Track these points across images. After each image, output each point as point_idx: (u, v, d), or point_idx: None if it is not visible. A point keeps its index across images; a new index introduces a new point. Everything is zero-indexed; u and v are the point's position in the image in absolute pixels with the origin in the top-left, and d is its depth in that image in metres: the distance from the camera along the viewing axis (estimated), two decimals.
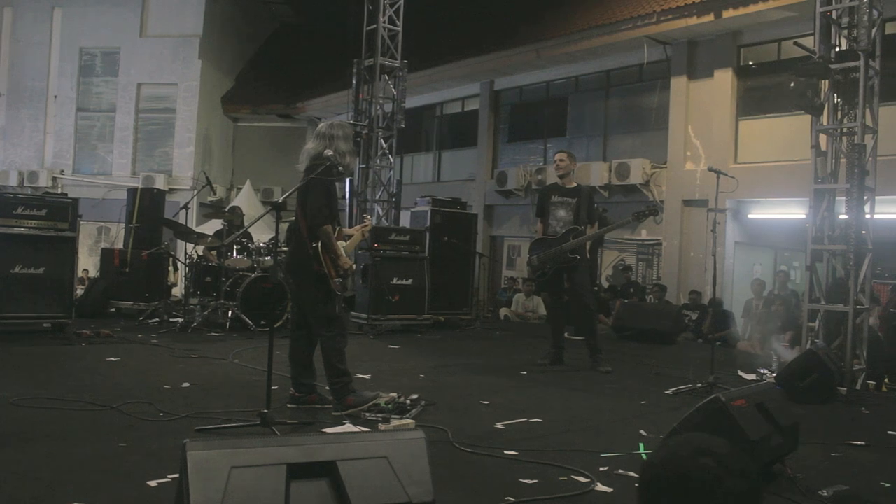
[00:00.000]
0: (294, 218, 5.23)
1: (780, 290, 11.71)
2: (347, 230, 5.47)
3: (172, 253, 11.22)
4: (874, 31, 7.11)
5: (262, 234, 10.96)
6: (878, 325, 8.06)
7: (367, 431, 4.16)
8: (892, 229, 10.90)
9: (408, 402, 5.12)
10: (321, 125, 5.22)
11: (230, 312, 9.34)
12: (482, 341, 9.99)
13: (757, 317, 10.92)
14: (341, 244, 5.09)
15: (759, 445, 3.64)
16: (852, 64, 7.17)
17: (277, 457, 2.39)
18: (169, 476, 3.35)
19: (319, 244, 4.89)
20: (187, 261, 9.96)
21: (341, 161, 4.96)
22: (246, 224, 10.28)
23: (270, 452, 2.41)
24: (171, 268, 11.43)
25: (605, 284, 14.72)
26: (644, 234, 14.66)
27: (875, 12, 7.14)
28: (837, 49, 7.41)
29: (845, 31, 7.37)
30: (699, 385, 6.31)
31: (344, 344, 5.05)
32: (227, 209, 10.69)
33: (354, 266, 5.78)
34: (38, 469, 3.50)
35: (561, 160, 7.66)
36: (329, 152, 4.89)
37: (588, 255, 7.63)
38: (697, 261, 13.38)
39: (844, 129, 7.42)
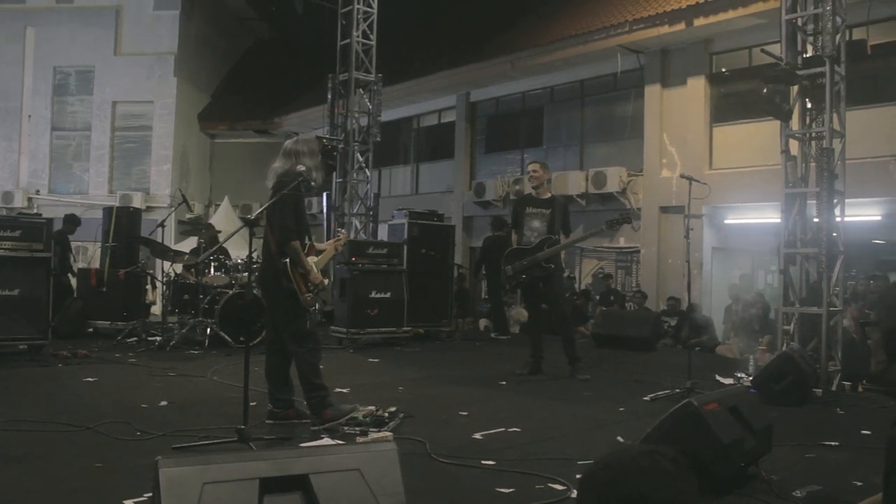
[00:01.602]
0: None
1: (744, 293, 11.83)
2: (320, 245, 5.47)
3: (150, 271, 11.15)
4: (838, 37, 7.25)
5: (240, 251, 10.92)
6: (852, 327, 8.13)
7: (341, 444, 4.16)
8: (864, 231, 11.06)
9: (386, 414, 5.13)
10: (287, 142, 5.26)
11: (209, 329, 9.30)
12: (462, 352, 10.00)
13: (738, 322, 11.01)
14: (312, 259, 5.09)
15: (732, 448, 3.67)
16: (818, 70, 7.29)
17: (250, 472, 2.39)
18: (145, 495, 3.32)
19: (288, 260, 4.90)
20: (165, 279, 9.91)
21: (310, 176, 4.99)
22: (220, 241, 10.23)
23: (243, 467, 2.40)
24: (148, 286, 11.36)
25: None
26: (622, 242, 14.74)
27: (839, 19, 7.28)
28: (804, 55, 7.53)
29: (811, 38, 7.50)
30: (676, 390, 6.36)
31: (318, 358, 5.05)
32: (202, 226, 10.68)
33: (327, 281, 5.75)
34: (15, 490, 3.47)
35: (534, 171, 7.71)
36: (301, 168, 4.93)
37: (563, 265, 7.68)
38: (676, 267, 13.44)
39: (813, 134, 7.53)
